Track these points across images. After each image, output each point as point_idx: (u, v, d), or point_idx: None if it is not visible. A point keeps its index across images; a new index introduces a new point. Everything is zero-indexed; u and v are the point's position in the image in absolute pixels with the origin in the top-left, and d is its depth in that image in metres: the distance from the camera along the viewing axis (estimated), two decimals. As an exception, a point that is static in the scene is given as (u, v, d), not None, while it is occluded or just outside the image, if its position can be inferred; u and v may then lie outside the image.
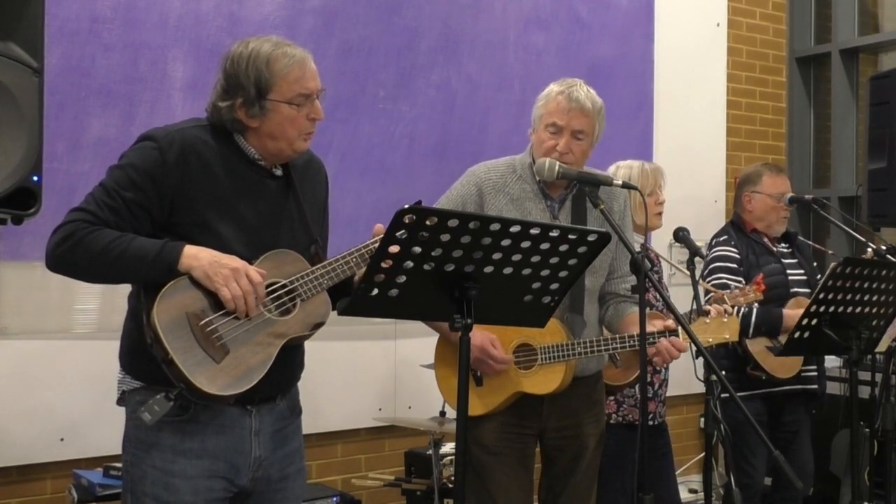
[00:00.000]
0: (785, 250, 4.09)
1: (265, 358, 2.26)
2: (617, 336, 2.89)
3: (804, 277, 4.02)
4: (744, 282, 3.85)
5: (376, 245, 2.37)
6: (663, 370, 3.65)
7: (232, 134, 2.36)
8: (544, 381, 2.88)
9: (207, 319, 2.20)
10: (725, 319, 2.91)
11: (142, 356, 2.23)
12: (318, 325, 2.37)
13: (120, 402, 2.40)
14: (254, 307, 2.23)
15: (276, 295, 2.30)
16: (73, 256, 2.21)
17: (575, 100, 2.86)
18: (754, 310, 3.74)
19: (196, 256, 2.20)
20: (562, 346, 2.86)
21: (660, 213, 3.71)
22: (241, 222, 2.32)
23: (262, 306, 2.26)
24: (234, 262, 2.22)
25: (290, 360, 2.39)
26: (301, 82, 2.33)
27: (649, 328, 2.81)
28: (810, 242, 4.33)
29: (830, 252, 4.61)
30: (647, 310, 3.07)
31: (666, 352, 2.84)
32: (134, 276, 2.27)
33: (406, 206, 1.91)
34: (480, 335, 2.83)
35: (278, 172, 2.42)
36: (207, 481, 2.30)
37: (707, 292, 3.52)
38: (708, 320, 2.91)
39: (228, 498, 2.36)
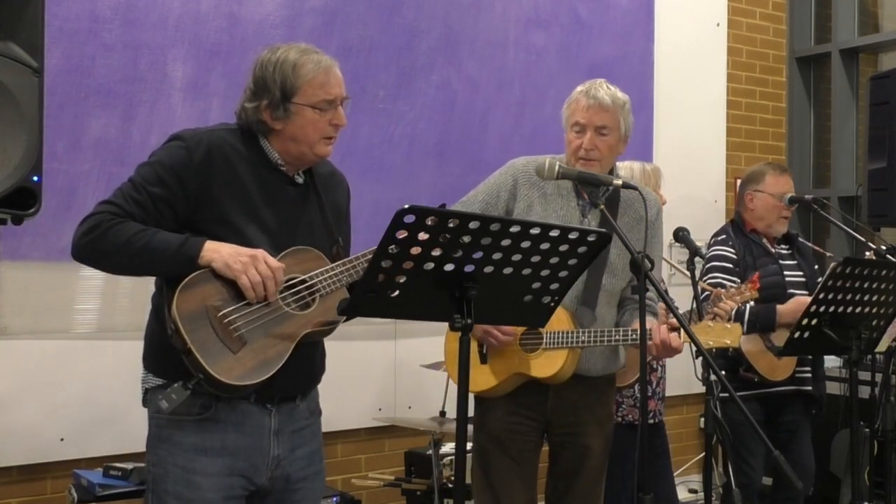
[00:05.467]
0: (784, 251, 4.08)
1: (282, 350, 2.30)
2: (621, 329, 2.91)
3: (803, 279, 4.00)
4: (739, 281, 3.86)
5: None
6: (660, 368, 3.66)
7: (258, 137, 2.42)
8: (546, 364, 2.93)
9: (226, 311, 2.25)
10: (729, 326, 2.93)
11: (164, 353, 2.28)
12: (336, 323, 2.40)
13: (144, 401, 2.43)
14: (273, 292, 2.27)
15: (295, 290, 2.34)
16: (97, 246, 2.26)
17: (593, 97, 2.94)
18: (748, 307, 3.74)
19: (217, 250, 2.26)
20: (567, 334, 2.91)
21: None
22: (262, 225, 2.37)
23: (280, 300, 2.30)
24: (254, 251, 2.27)
25: (310, 361, 2.43)
26: (326, 88, 2.39)
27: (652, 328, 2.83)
28: (811, 244, 4.32)
29: (829, 254, 4.61)
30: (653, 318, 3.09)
31: (660, 339, 2.83)
32: (155, 269, 2.32)
33: (407, 206, 1.91)
34: None
35: (300, 180, 2.47)
36: (228, 479, 2.34)
37: (704, 291, 3.52)
38: (712, 324, 2.93)
39: (245, 496, 2.39)
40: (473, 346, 3.03)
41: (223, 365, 2.22)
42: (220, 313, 2.24)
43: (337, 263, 2.39)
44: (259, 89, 2.38)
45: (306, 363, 2.41)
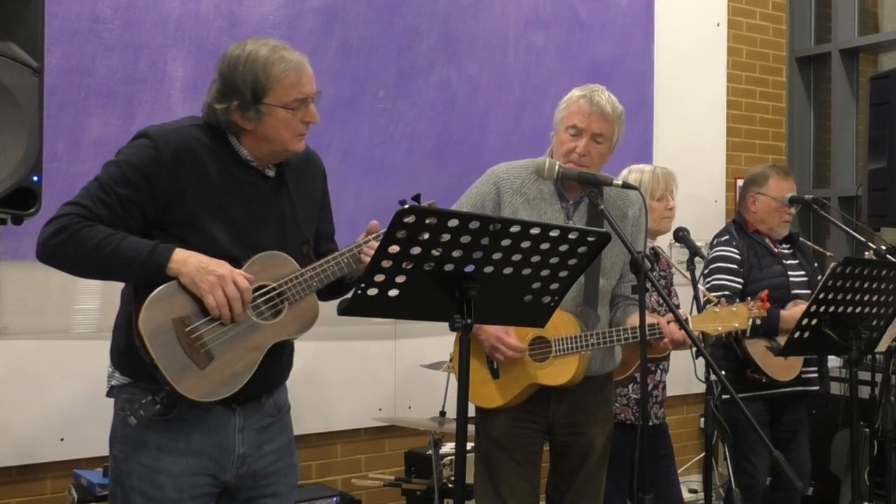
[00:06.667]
0: (786, 251, 4.08)
1: (250, 364, 2.29)
2: (629, 328, 2.91)
3: (805, 279, 4.00)
4: (743, 282, 3.86)
5: (368, 244, 2.40)
6: (659, 371, 3.66)
7: (226, 134, 2.37)
8: (558, 372, 2.93)
9: (192, 326, 2.23)
10: (735, 309, 2.93)
11: (131, 354, 2.25)
12: (306, 328, 2.38)
13: (109, 394, 2.42)
14: (240, 313, 2.24)
15: (264, 298, 2.31)
16: (64, 250, 2.22)
17: (596, 104, 2.93)
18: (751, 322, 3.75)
19: (184, 262, 2.21)
20: (575, 338, 2.91)
21: (668, 219, 3.72)
22: (232, 222, 2.33)
23: (250, 310, 2.28)
24: (221, 268, 2.23)
25: (276, 361, 2.40)
26: (298, 87, 2.34)
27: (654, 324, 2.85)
28: (811, 244, 4.32)
29: (829, 254, 4.61)
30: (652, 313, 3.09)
31: (668, 332, 2.85)
32: (123, 275, 2.30)
33: (406, 206, 1.91)
34: (496, 326, 2.90)
35: (270, 173, 2.43)
36: (192, 478, 2.33)
37: (707, 300, 3.52)
38: (717, 310, 2.93)
39: (215, 493, 2.38)
40: (475, 349, 3.03)
41: (190, 382, 2.21)
42: (188, 328, 2.22)
43: (306, 269, 2.36)
44: (228, 89, 2.32)
45: (273, 365, 2.38)
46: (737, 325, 2.93)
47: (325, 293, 2.46)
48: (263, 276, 2.32)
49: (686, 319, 2.85)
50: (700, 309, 3.10)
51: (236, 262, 2.28)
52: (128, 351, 2.27)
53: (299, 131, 2.38)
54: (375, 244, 2.39)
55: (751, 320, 3.64)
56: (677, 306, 3.61)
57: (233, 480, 2.39)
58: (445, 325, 2.13)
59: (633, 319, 2.95)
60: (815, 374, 3.98)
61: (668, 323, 2.85)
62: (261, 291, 2.31)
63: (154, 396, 2.22)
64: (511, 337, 2.92)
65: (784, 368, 3.82)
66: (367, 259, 2.37)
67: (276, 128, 2.34)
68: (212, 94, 2.36)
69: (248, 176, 2.38)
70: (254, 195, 2.38)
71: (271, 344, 2.32)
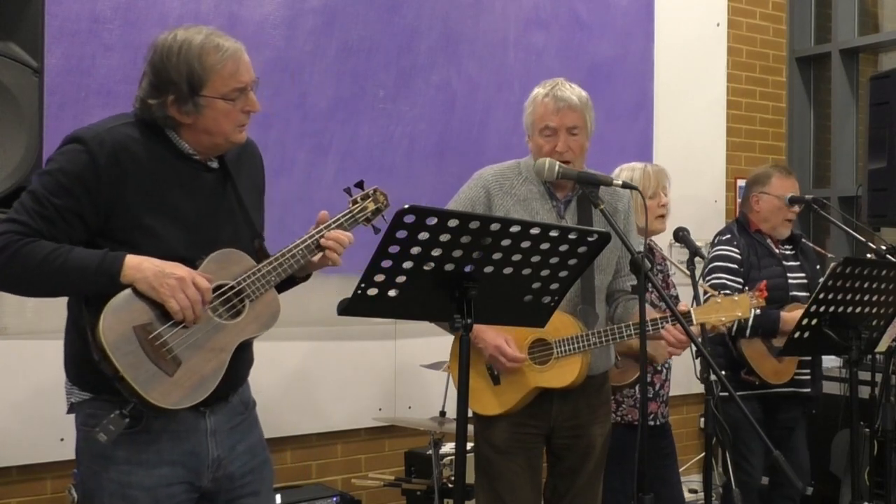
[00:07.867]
0: (788, 252, 4.07)
1: (218, 365, 2.23)
2: (631, 324, 2.90)
3: (805, 281, 4.00)
4: (742, 282, 3.86)
5: (321, 235, 2.35)
6: (664, 370, 3.65)
7: (164, 129, 2.27)
8: (561, 374, 2.91)
9: (156, 332, 2.15)
10: (737, 297, 2.93)
11: (88, 367, 2.16)
12: (270, 325, 2.33)
13: (70, 411, 2.33)
14: (201, 314, 2.17)
15: (224, 298, 2.25)
16: (9, 270, 2.11)
17: (562, 98, 2.90)
18: (752, 312, 3.74)
19: (139, 268, 2.13)
20: (576, 338, 2.89)
21: (663, 216, 3.71)
22: (181, 220, 2.25)
23: (210, 311, 2.21)
24: (179, 270, 2.15)
25: (240, 358, 2.34)
26: (236, 76, 2.24)
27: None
28: (812, 245, 4.32)
29: (830, 255, 4.61)
30: (653, 309, 3.09)
31: (672, 336, 2.85)
32: (75, 289, 2.20)
33: (406, 206, 1.91)
34: (495, 334, 2.89)
35: (214, 165, 2.34)
36: (167, 489, 2.26)
37: (707, 293, 3.52)
38: (719, 300, 2.92)
39: (194, 498, 2.33)
40: (473, 354, 3.02)
41: (160, 390, 2.13)
42: (151, 335, 2.14)
43: (263, 264, 2.30)
44: (162, 82, 2.20)
45: (237, 363, 2.32)
46: (739, 313, 2.92)
47: (278, 286, 2.38)
48: (220, 274, 2.25)
49: (688, 311, 2.85)
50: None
51: (190, 263, 2.20)
52: (84, 364, 2.18)
53: (240, 122, 2.29)
54: (330, 232, 2.36)
55: (752, 311, 3.66)
56: (675, 297, 3.62)
57: (210, 485, 2.34)
58: (445, 325, 2.13)
59: (636, 316, 2.95)
60: (808, 377, 3.98)
61: (672, 323, 2.84)
62: (220, 291, 2.24)
63: (121, 410, 2.13)
64: (511, 347, 2.89)
65: (776, 373, 3.83)
66: (327, 245, 2.35)
67: (216, 120, 2.24)
68: (144, 89, 2.24)
69: (191, 169, 2.29)
70: (201, 189, 2.30)
71: (237, 343, 2.26)
